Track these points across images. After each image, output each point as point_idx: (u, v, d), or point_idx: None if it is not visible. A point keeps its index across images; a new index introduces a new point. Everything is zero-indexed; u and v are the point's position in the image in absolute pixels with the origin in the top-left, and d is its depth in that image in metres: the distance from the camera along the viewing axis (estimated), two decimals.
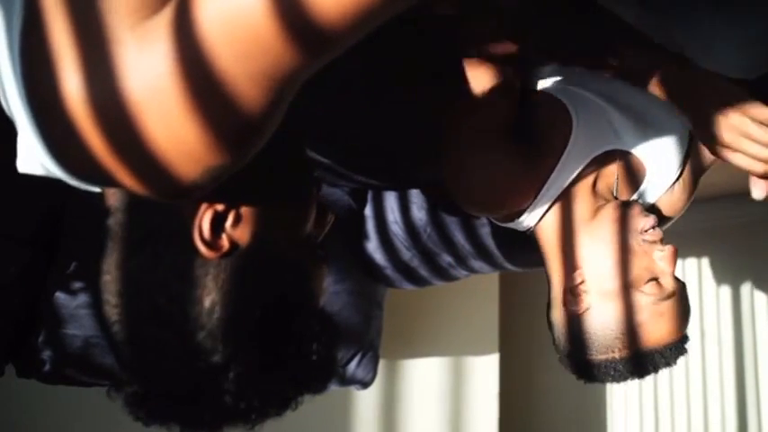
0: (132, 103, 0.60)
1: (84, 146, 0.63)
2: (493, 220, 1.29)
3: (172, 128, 0.61)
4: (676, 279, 1.20)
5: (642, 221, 1.20)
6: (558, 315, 1.25)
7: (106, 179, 0.66)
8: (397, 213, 1.61)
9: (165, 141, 0.62)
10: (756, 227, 2.80)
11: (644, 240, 1.19)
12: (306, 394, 0.87)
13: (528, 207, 1.23)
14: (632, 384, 2.86)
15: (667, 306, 1.18)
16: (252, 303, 0.81)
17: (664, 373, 2.62)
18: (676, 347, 1.20)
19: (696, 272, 2.87)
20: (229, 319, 0.80)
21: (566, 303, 1.22)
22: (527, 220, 1.25)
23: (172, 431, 0.84)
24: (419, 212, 1.58)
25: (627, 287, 1.18)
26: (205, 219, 0.78)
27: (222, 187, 0.75)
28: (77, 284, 1.36)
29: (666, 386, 2.82)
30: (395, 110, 1.31)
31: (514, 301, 2.76)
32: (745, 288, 2.79)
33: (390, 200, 1.61)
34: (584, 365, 1.22)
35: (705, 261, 2.87)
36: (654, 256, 1.18)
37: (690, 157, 1.32)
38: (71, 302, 1.35)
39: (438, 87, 1.26)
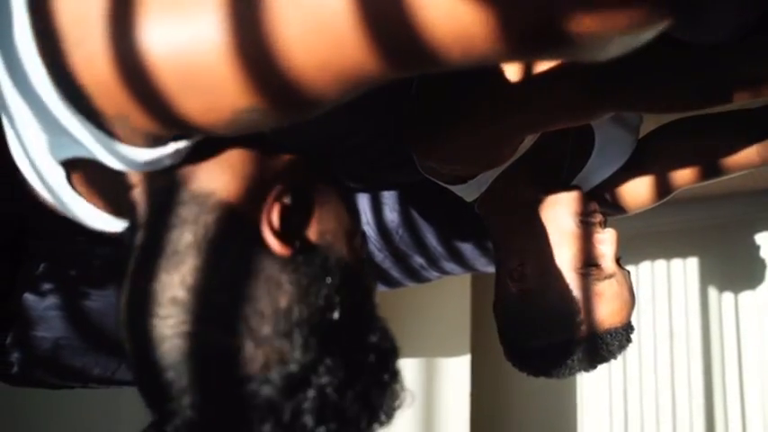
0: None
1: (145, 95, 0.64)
2: (437, 179, 1.27)
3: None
4: (618, 264, 1.18)
5: (581, 205, 1.20)
6: (500, 302, 1.24)
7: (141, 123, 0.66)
8: (369, 215, 1.61)
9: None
10: (724, 229, 2.84)
11: (583, 223, 1.18)
12: (377, 423, 0.76)
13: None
14: (602, 385, 2.88)
15: (605, 287, 1.16)
16: (330, 306, 0.73)
17: (632, 372, 2.64)
18: (618, 334, 1.16)
19: (665, 273, 2.90)
20: (308, 321, 0.72)
21: (506, 287, 1.21)
22: (473, 187, 1.25)
23: None
24: (391, 214, 1.59)
25: (565, 268, 1.16)
26: (274, 212, 0.73)
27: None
28: (46, 286, 1.35)
29: (636, 386, 2.85)
30: (371, 112, 1.32)
31: (486, 303, 2.76)
32: (713, 289, 2.82)
33: (363, 201, 1.62)
34: (525, 353, 1.19)
35: (674, 262, 2.90)
36: (593, 240, 1.18)
37: (647, 155, 1.33)
38: (40, 304, 1.34)
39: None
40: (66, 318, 1.35)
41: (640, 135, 1.35)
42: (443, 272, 1.73)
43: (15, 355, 1.35)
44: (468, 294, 2.71)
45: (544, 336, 1.17)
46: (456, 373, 2.62)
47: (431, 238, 1.60)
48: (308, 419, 0.70)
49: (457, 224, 1.57)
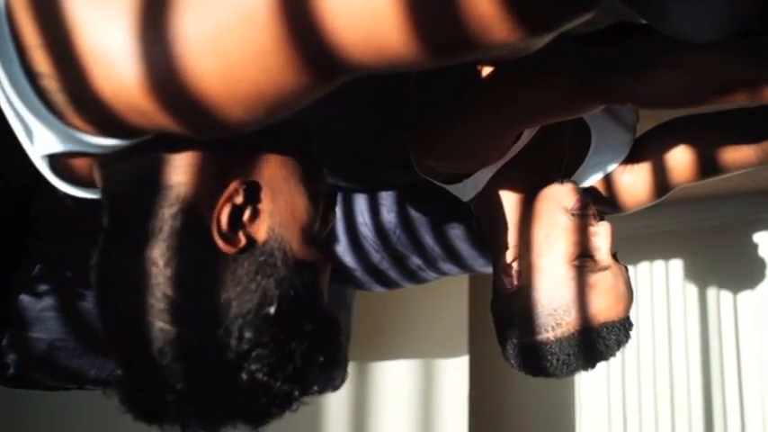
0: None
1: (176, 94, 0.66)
2: (433, 179, 1.28)
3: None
4: (614, 258, 1.18)
5: (573, 198, 1.20)
6: (496, 299, 1.24)
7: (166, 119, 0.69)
8: (366, 215, 1.61)
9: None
10: (722, 230, 2.84)
11: (576, 216, 1.18)
12: (311, 395, 0.85)
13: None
14: (600, 385, 2.88)
15: (600, 278, 1.15)
16: (267, 301, 0.79)
17: (631, 371, 2.63)
18: (615, 328, 1.15)
19: (663, 273, 2.90)
20: (244, 316, 0.78)
21: (502, 284, 1.21)
22: (469, 185, 1.25)
23: (167, 430, 0.81)
24: (389, 215, 1.58)
25: (559, 261, 1.16)
26: (223, 212, 0.78)
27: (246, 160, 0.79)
28: (42, 287, 1.35)
29: (634, 387, 2.85)
30: (371, 110, 1.31)
31: (484, 303, 2.75)
32: (711, 289, 2.82)
33: (360, 202, 1.61)
34: (523, 351, 1.19)
35: (672, 263, 2.90)
36: (588, 232, 1.18)
37: (645, 155, 1.33)
38: (36, 305, 1.34)
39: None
40: (63, 319, 1.34)
41: (637, 134, 1.35)
42: (441, 273, 1.72)
43: (11, 357, 1.34)
44: (466, 295, 2.71)
45: (540, 331, 1.16)
46: (454, 374, 2.61)
47: (428, 239, 1.59)
48: (241, 399, 0.78)
49: (454, 224, 1.57)
